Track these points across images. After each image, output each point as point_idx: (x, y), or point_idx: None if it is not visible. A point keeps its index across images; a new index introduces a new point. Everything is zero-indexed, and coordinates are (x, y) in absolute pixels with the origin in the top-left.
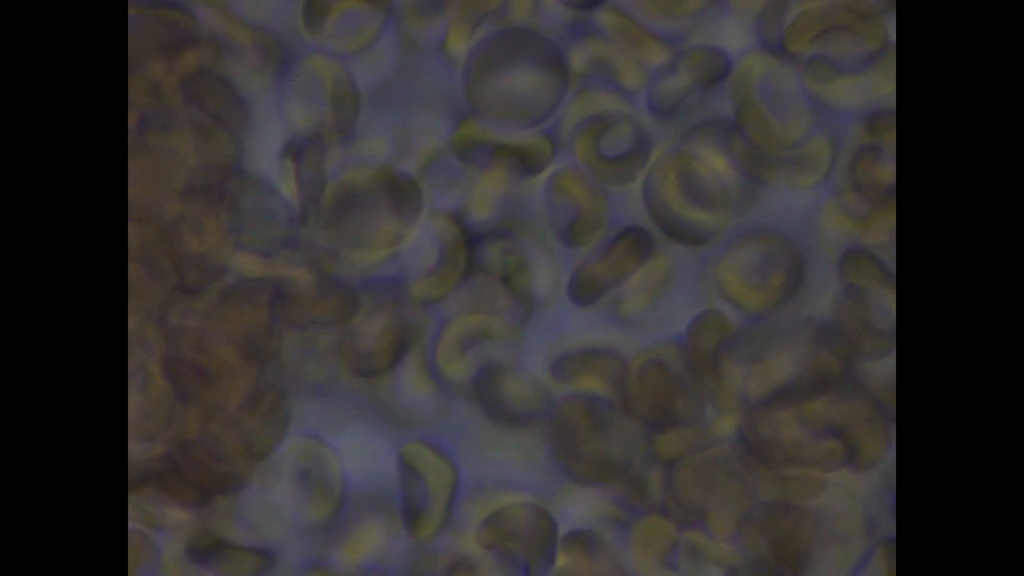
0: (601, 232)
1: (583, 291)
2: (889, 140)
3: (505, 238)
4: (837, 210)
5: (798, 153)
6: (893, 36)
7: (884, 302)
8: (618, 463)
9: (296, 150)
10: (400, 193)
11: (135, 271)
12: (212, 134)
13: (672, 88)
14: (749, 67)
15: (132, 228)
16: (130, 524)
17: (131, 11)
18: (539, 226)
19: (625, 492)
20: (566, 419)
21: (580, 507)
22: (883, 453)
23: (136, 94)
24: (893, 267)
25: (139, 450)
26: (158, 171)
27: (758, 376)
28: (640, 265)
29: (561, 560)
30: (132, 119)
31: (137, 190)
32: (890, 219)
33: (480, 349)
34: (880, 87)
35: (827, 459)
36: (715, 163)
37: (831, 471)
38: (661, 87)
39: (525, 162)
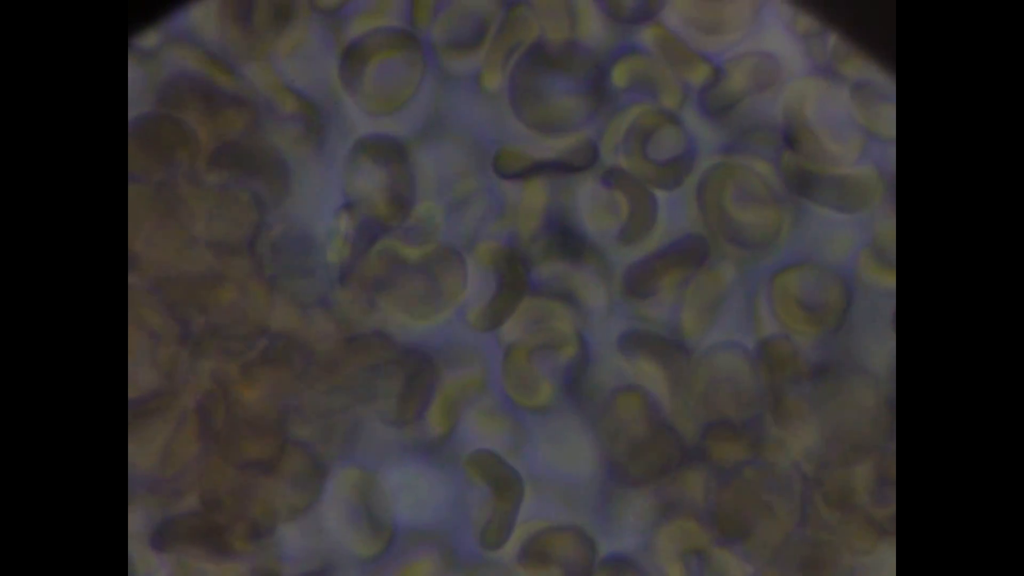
0: (650, 234)
1: (638, 286)
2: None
3: (554, 253)
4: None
5: (847, 176)
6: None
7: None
8: (664, 460)
9: (349, 213)
10: (444, 269)
11: (156, 323)
12: (234, 196)
13: (723, 92)
14: (802, 87)
15: (148, 280)
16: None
17: (172, 69)
18: (588, 234)
19: (669, 491)
20: (623, 411)
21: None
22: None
23: (166, 148)
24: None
25: (172, 504)
26: (176, 225)
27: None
28: (695, 269)
29: None
30: (156, 175)
31: (155, 244)
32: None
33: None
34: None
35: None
36: (764, 169)
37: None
38: (712, 91)
39: (568, 166)
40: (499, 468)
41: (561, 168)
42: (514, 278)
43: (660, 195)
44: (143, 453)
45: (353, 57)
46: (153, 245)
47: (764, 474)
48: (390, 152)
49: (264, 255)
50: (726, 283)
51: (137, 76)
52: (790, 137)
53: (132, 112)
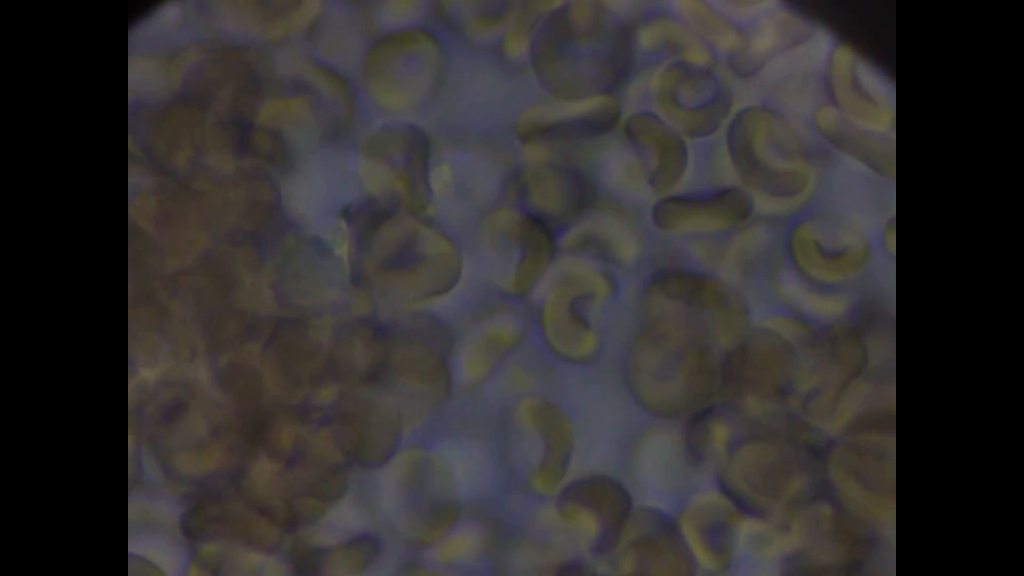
0: (681, 180)
1: (667, 215)
2: None
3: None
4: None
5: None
6: None
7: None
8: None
9: (348, 210)
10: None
11: (179, 311)
12: (257, 180)
13: (756, 48)
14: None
15: (175, 266)
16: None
17: (206, 47)
18: (613, 199)
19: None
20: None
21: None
22: None
23: (192, 130)
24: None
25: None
26: (201, 211)
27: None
28: (735, 222)
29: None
30: (182, 157)
31: (180, 228)
32: None
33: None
34: None
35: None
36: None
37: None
38: (745, 47)
39: (591, 124)
40: (551, 413)
41: (581, 130)
42: (538, 239)
43: (690, 143)
44: (174, 445)
45: (375, 40)
46: (168, 234)
47: (792, 427)
48: (409, 137)
49: (279, 256)
50: (757, 235)
51: (151, 57)
52: (825, 91)
53: (149, 94)
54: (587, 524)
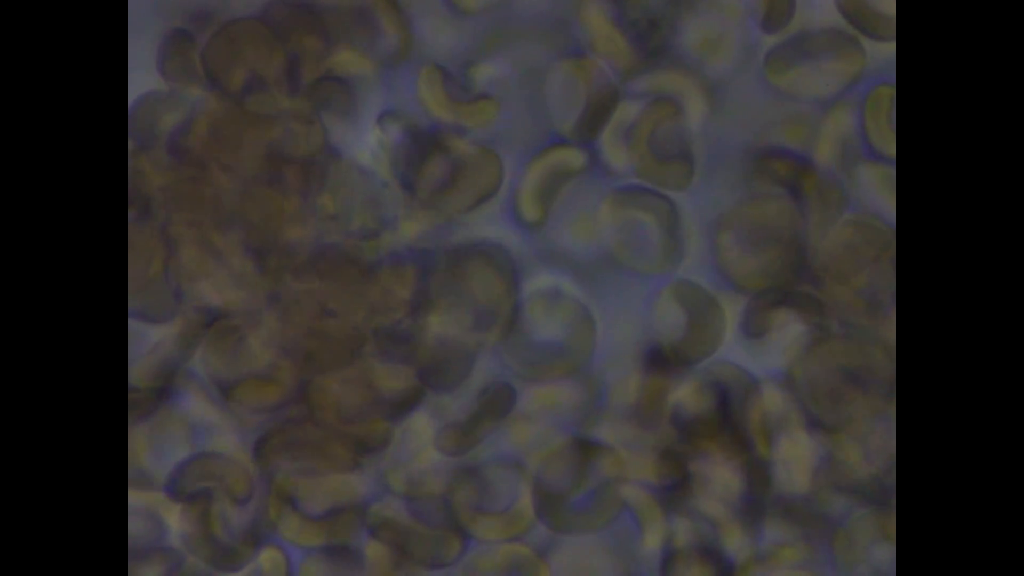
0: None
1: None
2: None
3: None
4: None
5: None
6: None
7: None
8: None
9: (383, 122)
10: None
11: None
12: (309, 121)
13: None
14: None
15: (225, 191)
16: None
17: None
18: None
19: None
20: None
21: None
22: None
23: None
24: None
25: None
26: (253, 141)
27: None
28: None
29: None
30: (237, 82)
31: (229, 155)
32: None
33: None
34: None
35: None
36: None
37: None
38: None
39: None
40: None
41: None
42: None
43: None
44: (237, 375)
45: None
46: (220, 153)
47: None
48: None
49: (329, 191)
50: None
51: None
52: None
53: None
54: None
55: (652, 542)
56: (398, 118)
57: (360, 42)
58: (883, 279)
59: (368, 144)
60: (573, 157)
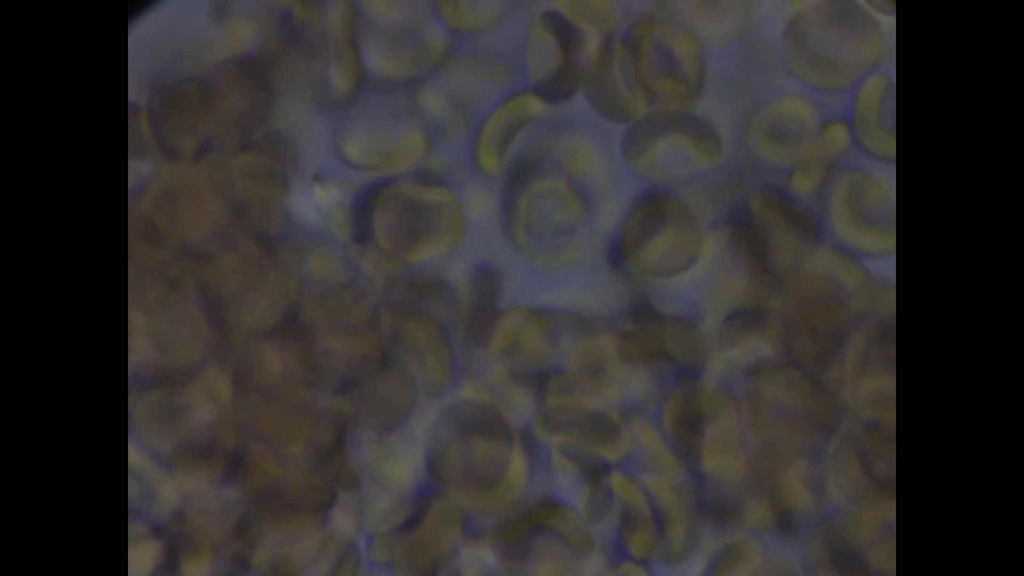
0: None
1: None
2: None
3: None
4: None
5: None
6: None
7: None
8: None
9: (320, 181)
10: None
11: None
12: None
13: None
14: None
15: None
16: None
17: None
18: None
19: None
20: None
21: None
22: None
23: (206, 118)
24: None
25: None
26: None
27: None
28: None
29: None
30: (188, 146)
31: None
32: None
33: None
34: None
35: None
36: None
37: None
38: None
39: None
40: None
41: None
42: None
43: None
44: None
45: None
46: (180, 221)
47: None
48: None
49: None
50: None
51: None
52: None
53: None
54: None
55: None
56: (332, 175)
57: (304, 93)
58: (846, 325)
59: (314, 204)
60: (529, 103)
